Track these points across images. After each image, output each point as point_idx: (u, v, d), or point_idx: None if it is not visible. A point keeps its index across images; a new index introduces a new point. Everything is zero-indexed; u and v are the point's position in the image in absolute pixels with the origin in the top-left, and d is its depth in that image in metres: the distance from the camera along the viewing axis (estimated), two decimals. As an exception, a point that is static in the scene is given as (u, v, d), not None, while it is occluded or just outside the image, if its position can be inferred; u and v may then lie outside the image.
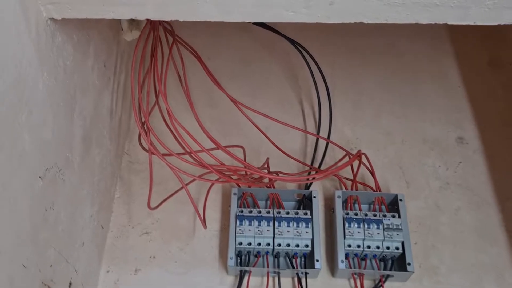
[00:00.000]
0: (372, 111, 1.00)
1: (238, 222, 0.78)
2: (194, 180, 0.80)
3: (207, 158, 0.72)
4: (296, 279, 0.79)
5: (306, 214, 0.80)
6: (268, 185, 0.86)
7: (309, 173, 0.88)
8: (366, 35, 1.10)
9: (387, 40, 1.11)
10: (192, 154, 0.69)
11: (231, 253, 0.77)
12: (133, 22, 0.85)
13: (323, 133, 0.95)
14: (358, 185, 0.87)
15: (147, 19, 0.77)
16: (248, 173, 0.81)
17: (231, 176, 0.76)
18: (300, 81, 1.04)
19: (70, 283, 0.66)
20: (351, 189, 0.86)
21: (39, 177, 0.55)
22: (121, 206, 0.87)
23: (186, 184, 0.74)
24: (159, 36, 0.84)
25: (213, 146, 0.75)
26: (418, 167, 0.93)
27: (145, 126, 0.68)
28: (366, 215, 0.80)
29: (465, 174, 0.92)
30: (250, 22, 0.85)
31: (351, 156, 0.82)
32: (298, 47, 0.91)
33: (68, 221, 0.64)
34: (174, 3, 0.53)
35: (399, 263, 0.80)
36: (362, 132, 0.97)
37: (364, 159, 0.86)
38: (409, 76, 1.06)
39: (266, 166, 0.86)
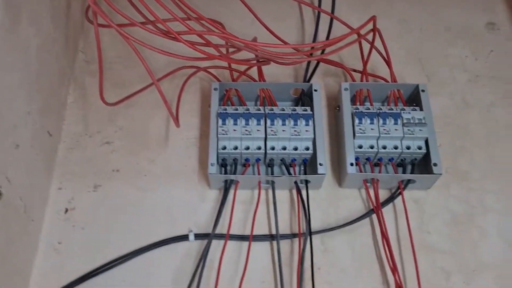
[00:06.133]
0: (382, -4, 0.83)
1: (220, 121, 0.62)
2: (167, 75, 0.63)
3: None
4: (294, 190, 0.64)
5: (305, 110, 0.64)
6: (257, 79, 0.69)
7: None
8: None
9: None
10: (159, 23, 0.51)
11: (213, 159, 0.61)
12: None
13: (322, 21, 0.77)
14: (369, 78, 0.70)
15: None
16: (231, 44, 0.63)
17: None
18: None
19: (0, 193, 0.50)
20: (361, 81, 0.69)
21: None
22: (76, 113, 0.70)
23: (158, 80, 0.57)
24: None
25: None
26: (441, 58, 0.76)
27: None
28: (380, 109, 0.64)
29: (498, 64, 0.75)
30: None
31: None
32: None
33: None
34: None
35: (421, 168, 0.65)
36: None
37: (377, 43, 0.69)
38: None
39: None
